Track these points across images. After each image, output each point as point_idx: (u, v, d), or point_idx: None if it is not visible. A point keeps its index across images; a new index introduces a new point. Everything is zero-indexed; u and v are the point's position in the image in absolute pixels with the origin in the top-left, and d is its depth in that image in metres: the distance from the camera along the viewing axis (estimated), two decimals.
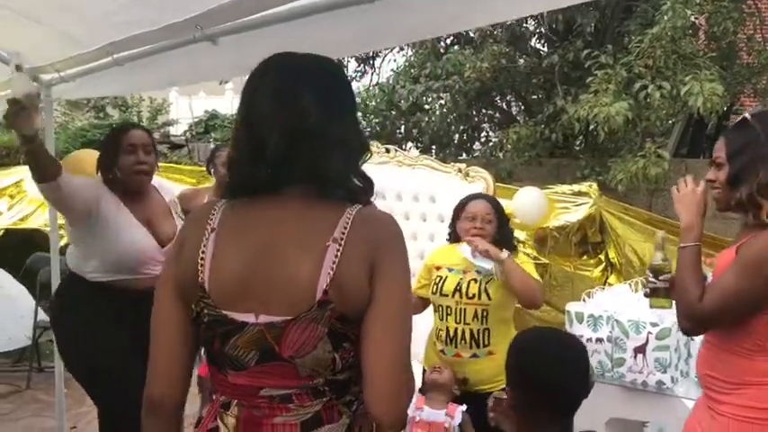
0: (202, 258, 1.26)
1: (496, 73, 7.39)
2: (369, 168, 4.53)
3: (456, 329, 2.76)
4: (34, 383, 5.04)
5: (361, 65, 10.45)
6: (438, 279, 2.83)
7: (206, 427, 1.32)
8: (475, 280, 2.75)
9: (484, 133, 9.11)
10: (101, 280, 2.52)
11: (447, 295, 2.77)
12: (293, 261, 1.23)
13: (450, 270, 2.84)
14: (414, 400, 2.23)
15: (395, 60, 10.01)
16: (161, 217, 2.62)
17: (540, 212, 4.83)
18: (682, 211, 1.92)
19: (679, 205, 1.94)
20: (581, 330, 3.07)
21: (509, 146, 7.13)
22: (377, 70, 10.50)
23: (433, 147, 8.50)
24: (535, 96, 8.29)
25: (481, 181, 4.60)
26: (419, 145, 8.59)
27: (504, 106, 9.01)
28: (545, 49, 8.14)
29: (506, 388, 1.81)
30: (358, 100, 9.18)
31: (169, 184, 3.05)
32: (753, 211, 1.79)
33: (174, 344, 1.31)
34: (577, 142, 7.91)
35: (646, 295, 2.11)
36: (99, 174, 2.64)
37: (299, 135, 1.24)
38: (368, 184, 1.34)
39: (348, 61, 10.44)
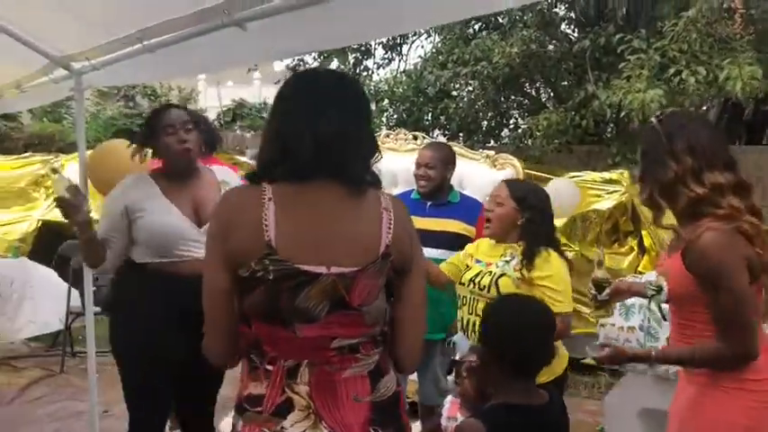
0: (265, 221, 1.38)
1: (526, 59, 7.30)
2: (396, 155, 4.51)
3: (468, 320, 2.63)
4: (68, 368, 5.14)
5: (388, 52, 10.40)
6: (465, 268, 2.72)
7: (274, 403, 1.39)
8: (490, 272, 2.58)
9: (512, 120, 9.01)
10: (148, 261, 2.53)
11: (464, 284, 2.65)
12: (356, 223, 1.44)
13: (477, 261, 2.69)
14: (447, 405, 2.32)
15: (422, 47, 9.97)
16: (210, 199, 2.50)
17: (573, 202, 4.76)
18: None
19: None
20: (612, 319, 3.03)
21: (538, 132, 7.05)
22: (404, 57, 10.45)
23: (461, 133, 8.44)
24: (565, 82, 8.17)
25: (510, 167, 4.56)
26: (446, 132, 8.53)
27: (533, 92, 8.90)
28: (575, 34, 8.01)
29: (478, 345, 1.96)
30: (385, 87, 9.23)
31: (228, 170, 2.92)
32: (654, 211, 1.93)
33: (231, 311, 1.43)
34: (608, 129, 7.79)
35: (594, 308, 2.25)
36: (135, 159, 2.60)
37: (324, 142, 1.42)
38: (375, 176, 1.54)
39: (375, 48, 10.41)
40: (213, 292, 1.43)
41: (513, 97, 8.74)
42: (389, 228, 1.45)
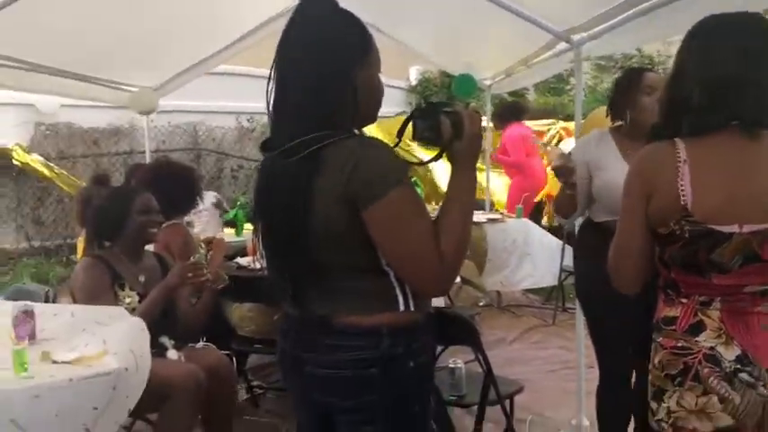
0: (681, 185, 1.49)
1: None
2: None
3: None
4: (559, 321, 5.62)
5: None
6: None
7: (687, 322, 1.55)
8: None
9: None
10: (603, 220, 2.57)
11: None
12: (765, 179, 1.48)
13: None
14: None
15: None
16: None
17: None
18: None
19: None
20: None
21: None
22: None
23: None
24: None
25: None
26: None
27: None
28: None
29: None
30: None
31: None
32: None
33: (645, 257, 1.59)
34: None
35: None
36: (609, 119, 2.68)
37: (719, 87, 1.50)
38: None
39: None
40: (628, 247, 1.59)
41: None
42: None
